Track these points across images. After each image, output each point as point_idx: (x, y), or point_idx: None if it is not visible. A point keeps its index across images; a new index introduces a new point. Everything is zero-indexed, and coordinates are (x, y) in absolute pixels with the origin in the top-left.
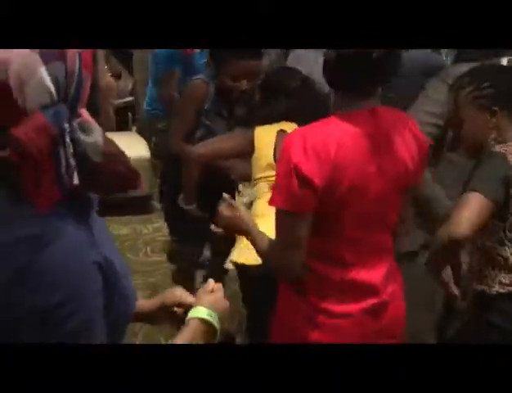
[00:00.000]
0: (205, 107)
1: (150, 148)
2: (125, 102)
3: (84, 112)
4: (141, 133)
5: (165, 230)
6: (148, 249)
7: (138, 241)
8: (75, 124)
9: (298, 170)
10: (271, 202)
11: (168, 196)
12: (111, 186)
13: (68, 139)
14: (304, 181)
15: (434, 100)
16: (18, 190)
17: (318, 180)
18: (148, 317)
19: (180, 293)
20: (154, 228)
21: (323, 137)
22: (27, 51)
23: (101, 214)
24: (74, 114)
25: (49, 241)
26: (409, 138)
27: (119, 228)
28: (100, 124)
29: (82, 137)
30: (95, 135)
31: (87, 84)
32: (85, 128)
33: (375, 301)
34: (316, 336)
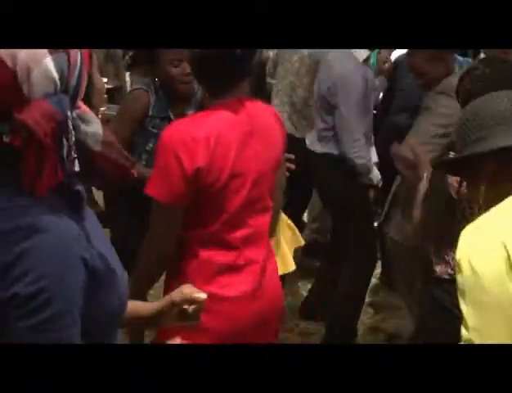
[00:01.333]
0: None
1: None
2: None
3: (82, 104)
4: None
5: None
6: None
7: None
8: (75, 114)
9: (181, 162)
10: (147, 190)
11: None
12: (108, 173)
13: (71, 127)
14: (185, 172)
15: (439, 113)
16: (17, 179)
17: (201, 171)
18: (157, 318)
19: (189, 290)
20: None
21: (202, 128)
22: None
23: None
24: (73, 105)
25: (38, 231)
26: (274, 124)
27: None
28: None
29: (82, 126)
30: (94, 125)
31: (85, 79)
32: (85, 119)
33: (258, 281)
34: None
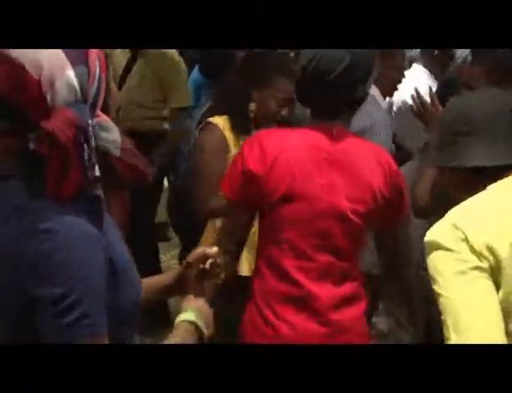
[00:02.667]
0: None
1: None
2: None
3: (101, 113)
4: None
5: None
6: None
7: None
8: (95, 122)
9: (241, 160)
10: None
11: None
12: (127, 178)
13: (91, 134)
14: (245, 171)
15: None
16: (39, 184)
17: (254, 174)
18: (178, 286)
19: (202, 248)
20: (171, 255)
21: (272, 138)
22: (57, 52)
23: None
24: (93, 113)
25: (60, 233)
26: (373, 165)
27: None
28: None
29: (102, 134)
30: (114, 133)
31: (104, 89)
32: (104, 127)
33: (316, 326)
34: (251, 338)
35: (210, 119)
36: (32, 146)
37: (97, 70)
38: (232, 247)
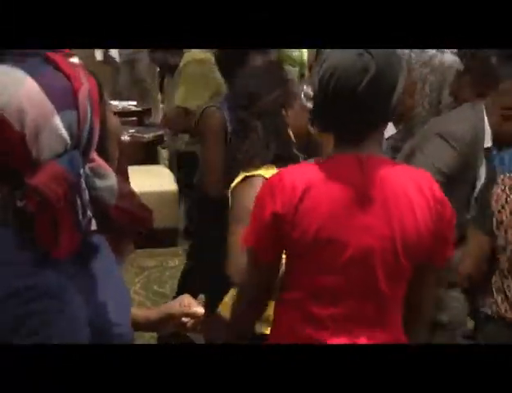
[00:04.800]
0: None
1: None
2: (154, 136)
3: (96, 157)
4: (170, 166)
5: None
6: (174, 282)
7: (165, 273)
8: (88, 169)
9: (263, 205)
10: (242, 238)
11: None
12: (126, 226)
13: (84, 185)
14: (264, 216)
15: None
16: (27, 238)
17: (279, 218)
18: (153, 326)
19: (188, 302)
20: (181, 261)
21: (294, 178)
22: (40, 98)
23: None
24: (86, 159)
25: (45, 295)
26: (415, 197)
27: (146, 260)
28: (109, 165)
29: (97, 182)
30: (109, 179)
31: (97, 130)
32: (99, 173)
33: None
34: None
35: None
36: (19, 203)
37: (88, 110)
38: (256, 300)
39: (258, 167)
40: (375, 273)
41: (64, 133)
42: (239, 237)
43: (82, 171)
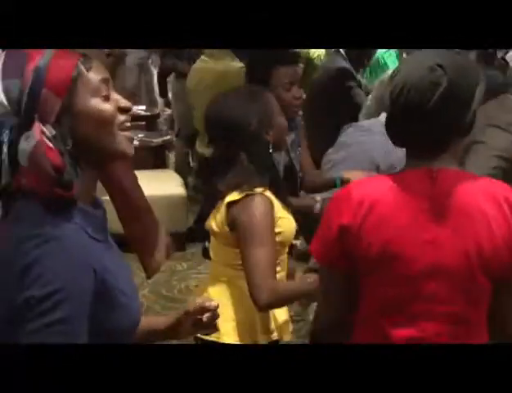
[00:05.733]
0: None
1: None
2: (163, 141)
3: (38, 126)
4: (178, 170)
5: (198, 268)
6: (183, 286)
7: (173, 277)
8: (25, 134)
9: (331, 218)
10: (309, 250)
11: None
12: (35, 188)
13: (5, 146)
14: (337, 227)
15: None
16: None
17: (345, 230)
18: (173, 331)
19: (202, 299)
20: (189, 265)
21: (361, 191)
22: None
23: None
24: (25, 126)
25: (51, 239)
26: (492, 211)
27: None
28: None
29: (20, 144)
30: (27, 143)
31: (51, 104)
32: (27, 139)
33: None
34: None
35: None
36: None
37: (29, 82)
38: (337, 321)
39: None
40: (448, 290)
41: (2, 97)
42: (261, 257)
43: (6, 132)
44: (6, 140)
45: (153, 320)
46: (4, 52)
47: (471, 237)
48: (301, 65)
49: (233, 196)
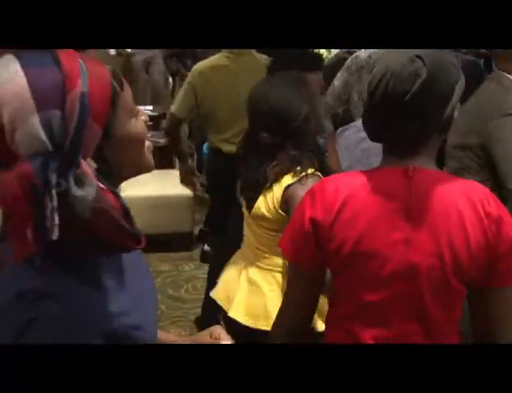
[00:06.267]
0: None
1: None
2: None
3: (85, 163)
4: None
5: (205, 268)
6: (189, 286)
7: (180, 277)
8: (71, 175)
9: (303, 211)
10: (278, 245)
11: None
12: (103, 243)
13: (54, 192)
14: (308, 222)
15: None
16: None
17: (317, 224)
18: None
19: (218, 334)
20: (196, 265)
21: (336, 185)
22: (23, 94)
23: (143, 250)
24: (70, 164)
25: (47, 297)
26: (467, 213)
27: (161, 264)
28: (127, 173)
29: (73, 189)
30: (87, 189)
31: (94, 134)
32: (78, 181)
33: None
34: None
35: None
36: None
37: (76, 113)
38: (298, 322)
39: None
40: (420, 291)
41: (41, 133)
42: None
43: (54, 176)
44: (54, 185)
45: (163, 336)
46: (24, 69)
47: (446, 239)
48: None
49: (288, 179)
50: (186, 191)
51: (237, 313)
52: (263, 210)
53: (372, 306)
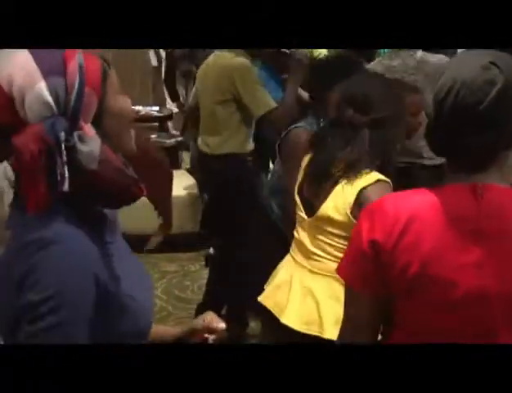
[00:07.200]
0: None
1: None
2: (176, 141)
3: (87, 127)
4: (191, 171)
5: None
6: (195, 286)
7: (186, 278)
8: (75, 135)
9: (365, 233)
10: (337, 270)
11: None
12: (110, 194)
13: (63, 148)
14: (368, 245)
15: None
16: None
17: (378, 246)
18: (178, 340)
19: (210, 318)
20: (202, 265)
21: (397, 205)
22: (29, 64)
23: (150, 250)
24: (74, 126)
25: (50, 242)
26: None
27: (167, 264)
28: (114, 147)
29: (79, 146)
30: (91, 144)
31: (92, 102)
32: (83, 139)
33: None
34: None
35: None
36: (10, 160)
37: (76, 81)
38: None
39: (358, 172)
40: (493, 318)
41: (48, 98)
42: None
43: (63, 135)
44: (63, 143)
45: (161, 329)
46: (27, 51)
47: None
48: None
49: (362, 181)
50: (192, 192)
51: (290, 319)
52: (331, 213)
53: (440, 332)
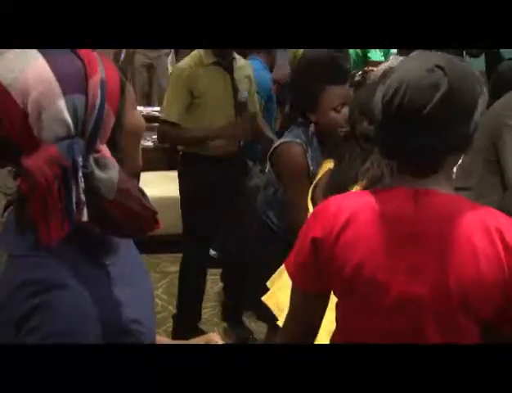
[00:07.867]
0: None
1: None
2: None
3: (104, 148)
4: None
5: (213, 269)
6: None
7: None
8: (92, 159)
9: (307, 231)
10: (285, 263)
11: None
12: (126, 225)
13: (80, 174)
14: (311, 241)
15: None
16: (24, 225)
17: (317, 243)
18: None
19: (217, 340)
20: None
21: (339, 204)
22: (47, 76)
23: (152, 251)
24: (91, 148)
25: (51, 287)
26: (482, 242)
27: (168, 265)
28: (124, 166)
29: (96, 172)
30: (110, 172)
31: (110, 121)
32: (101, 164)
33: None
34: None
35: None
36: (17, 182)
37: (98, 99)
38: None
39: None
40: (423, 326)
41: (67, 116)
42: None
43: (80, 159)
44: (80, 168)
45: (162, 341)
46: (44, 56)
47: (454, 271)
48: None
49: None
50: None
51: None
52: None
53: (371, 337)
